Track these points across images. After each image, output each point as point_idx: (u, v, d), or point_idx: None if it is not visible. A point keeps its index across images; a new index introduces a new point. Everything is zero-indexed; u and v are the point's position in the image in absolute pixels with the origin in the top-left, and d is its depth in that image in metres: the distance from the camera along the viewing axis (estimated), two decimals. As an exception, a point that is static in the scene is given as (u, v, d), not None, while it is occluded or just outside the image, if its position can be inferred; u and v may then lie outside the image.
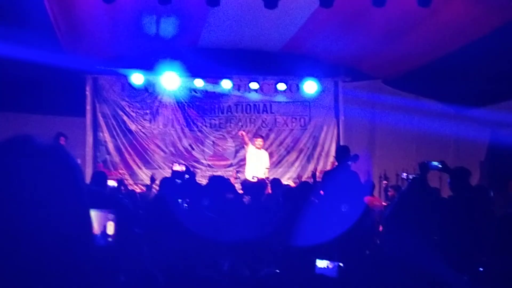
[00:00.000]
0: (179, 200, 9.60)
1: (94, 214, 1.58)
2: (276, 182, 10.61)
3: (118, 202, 7.28)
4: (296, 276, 4.53)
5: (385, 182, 12.68)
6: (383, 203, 10.72)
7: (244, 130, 15.02)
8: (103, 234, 1.39)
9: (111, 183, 9.09)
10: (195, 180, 10.91)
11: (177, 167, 9.74)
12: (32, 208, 1.17)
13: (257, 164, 13.39)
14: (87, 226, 1.31)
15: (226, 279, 4.96)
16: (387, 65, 14.30)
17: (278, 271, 4.90)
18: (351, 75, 15.63)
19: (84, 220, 1.29)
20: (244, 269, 5.54)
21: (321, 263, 4.27)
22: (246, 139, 13.98)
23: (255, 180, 11.93)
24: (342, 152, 8.83)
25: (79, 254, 1.26)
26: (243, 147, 14.70)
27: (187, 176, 8.85)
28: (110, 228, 1.41)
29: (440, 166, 6.89)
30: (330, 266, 4.24)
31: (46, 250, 1.20)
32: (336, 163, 9.12)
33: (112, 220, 1.42)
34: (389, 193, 11.43)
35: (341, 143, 15.03)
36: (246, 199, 8.92)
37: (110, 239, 1.41)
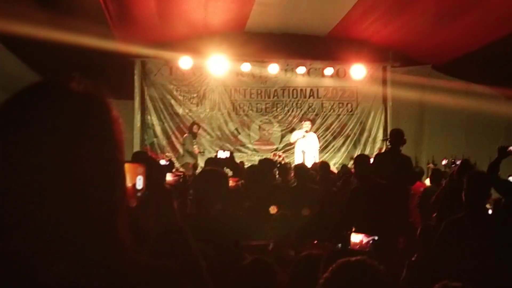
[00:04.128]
0: None
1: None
2: (325, 165, 10.58)
3: (147, 156, 7.38)
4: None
5: (432, 166, 12.38)
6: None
7: (290, 115, 15.09)
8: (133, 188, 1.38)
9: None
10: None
11: (222, 154, 9.75)
12: (57, 156, 1.10)
13: (306, 147, 13.35)
14: (119, 180, 1.20)
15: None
16: (437, 51, 14.04)
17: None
18: (399, 60, 15.42)
19: (115, 172, 1.19)
20: (288, 249, 5.56)
21: (356, 237, 4.23)
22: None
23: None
24: (396, 136, 8.69)
25: (113, 209, 1.17)
26: (290, 131, 14.73)
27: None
28: (140, 183, 1.39)
29: None
30: (365, 240, 4.20)
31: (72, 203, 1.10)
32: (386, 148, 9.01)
33: (142, 174, 1.40)
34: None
35: (389, 128, 14.82)
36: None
37: (139, 194, 1.40)
